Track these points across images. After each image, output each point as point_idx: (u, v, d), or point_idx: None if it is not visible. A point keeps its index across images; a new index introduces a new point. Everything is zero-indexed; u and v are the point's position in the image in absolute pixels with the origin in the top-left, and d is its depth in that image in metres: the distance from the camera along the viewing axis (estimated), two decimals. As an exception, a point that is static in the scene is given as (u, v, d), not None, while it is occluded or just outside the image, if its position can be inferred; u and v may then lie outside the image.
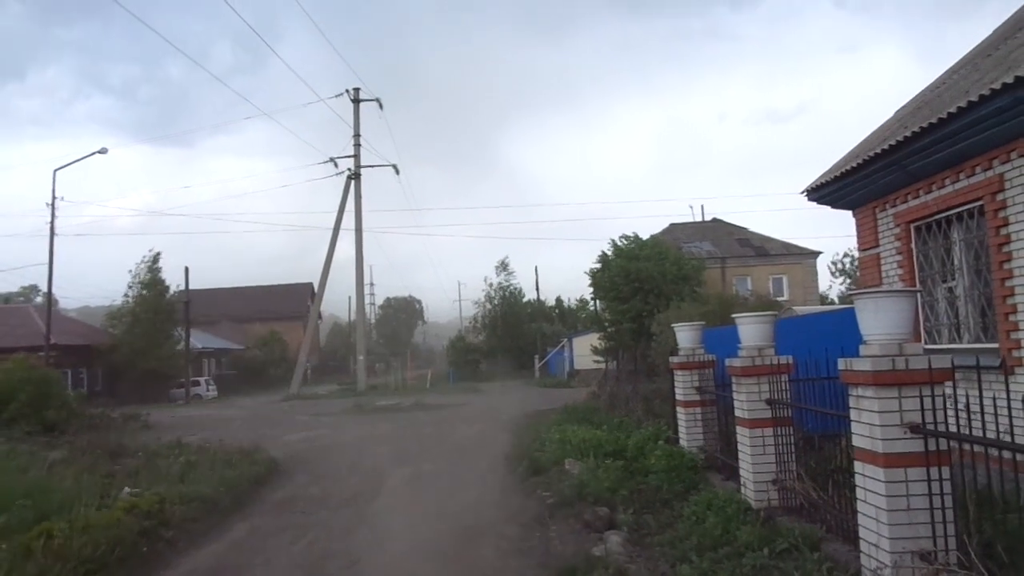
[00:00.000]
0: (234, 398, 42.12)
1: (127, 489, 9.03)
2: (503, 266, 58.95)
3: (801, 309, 19.61)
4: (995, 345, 6.92)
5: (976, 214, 7.28)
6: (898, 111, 10.05)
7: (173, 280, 44.79)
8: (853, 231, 9.86)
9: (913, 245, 8.44)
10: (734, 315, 7.93)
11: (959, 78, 8.49)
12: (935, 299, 8.18)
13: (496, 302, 58.45)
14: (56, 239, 34.46)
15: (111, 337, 41.89)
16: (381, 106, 41.89)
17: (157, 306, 42.52)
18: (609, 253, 22.96)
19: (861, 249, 9.69)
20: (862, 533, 4.56)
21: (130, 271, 43.59)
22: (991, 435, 3.99)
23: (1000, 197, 6.70)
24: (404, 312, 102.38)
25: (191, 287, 44.91)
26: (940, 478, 4.17)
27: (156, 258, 43.79)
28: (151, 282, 43.02)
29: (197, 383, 45.34)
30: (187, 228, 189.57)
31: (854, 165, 8.58)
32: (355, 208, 40.62)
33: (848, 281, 37.74)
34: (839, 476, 5.92)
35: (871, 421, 4.35)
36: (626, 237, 23.32)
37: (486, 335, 59.66)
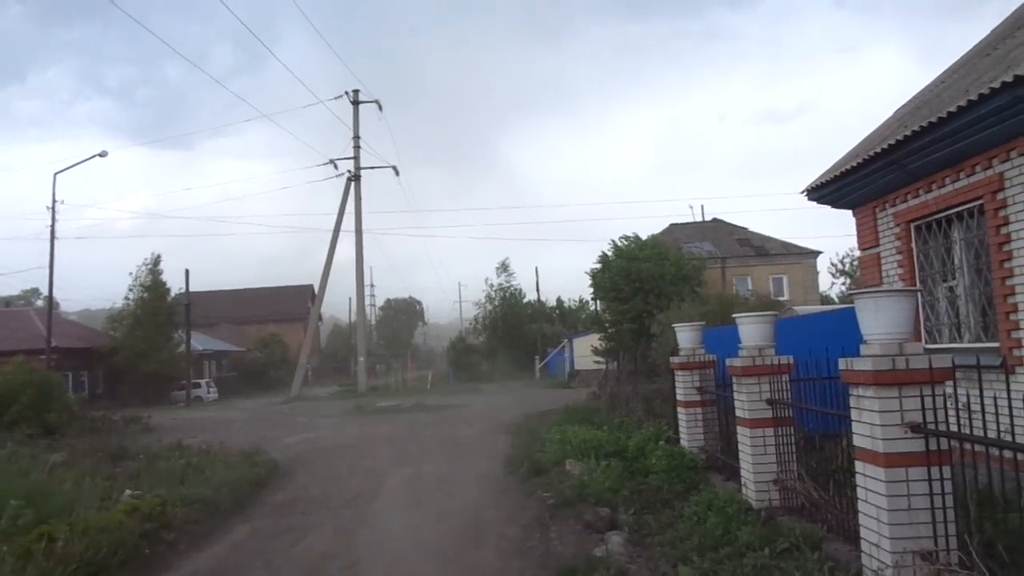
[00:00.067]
0: (235, 400, 42.11)
1: (128, 491, 9.03)
2: (503, 267, 59.03)
3: (801, 309, 19.61)
4: (996, 344, 6.92)
5: (976, 213, 7.28)
6: (898, 110, 10.05)
7: (173, 282, 44.85)
8: (853, 231, 9.87)
9: (913, 244, 8.44)
10: (734, 315, 7.93)
11: (958, 77, 8.49)
12: (935, 298, 8.18)
13: (496, 303, 58.46)
14: (57, 242, 34.43)
15: (112, 340, 41.88)
16: (380, 108, 41.92)
17: (158, 309, 42.52)
18: (609, 253, 22.95)
19: (861, 249, 9.69)
20: (863, 533, 4.56)
21: (131, 273, 43.66)
22: (992, 434, 3.99)
23: (1000, 196, 6.70)
24: (404, 313, 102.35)
25: (191, 289, 44.88)
26: (941, 478, 4.17)
27: (157, 260, 43.85)
28: (152, 285, 43.04)
29: (198, 385, 45.32)
30: (187, 230, 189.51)
31: (854, 164, 8.58)
32: (355, 210, 40.64)
33: (848, 281, 37.72)
34: (840, 476, 5.92)
35: (872, 421, 4.35)
36: (626, 237, 23.32)
37: (486, 336, 59.65)
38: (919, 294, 7.97)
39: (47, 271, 34.31)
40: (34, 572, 5.97)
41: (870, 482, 4.41)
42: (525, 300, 58.19)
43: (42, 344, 33.71)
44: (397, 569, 6.71)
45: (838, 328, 7.15)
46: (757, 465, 6.93)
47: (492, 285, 59.07)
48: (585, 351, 32.08)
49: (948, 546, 4.11)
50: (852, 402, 4.63)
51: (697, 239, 38.12)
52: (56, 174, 35.04)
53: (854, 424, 4.62)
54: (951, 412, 4.22)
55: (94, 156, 35.26)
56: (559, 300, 59.19)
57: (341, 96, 40.43)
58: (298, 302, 68.88)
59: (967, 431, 4.17)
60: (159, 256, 44.04)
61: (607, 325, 23.10)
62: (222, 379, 51.61)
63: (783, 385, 6.84)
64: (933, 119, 6.92)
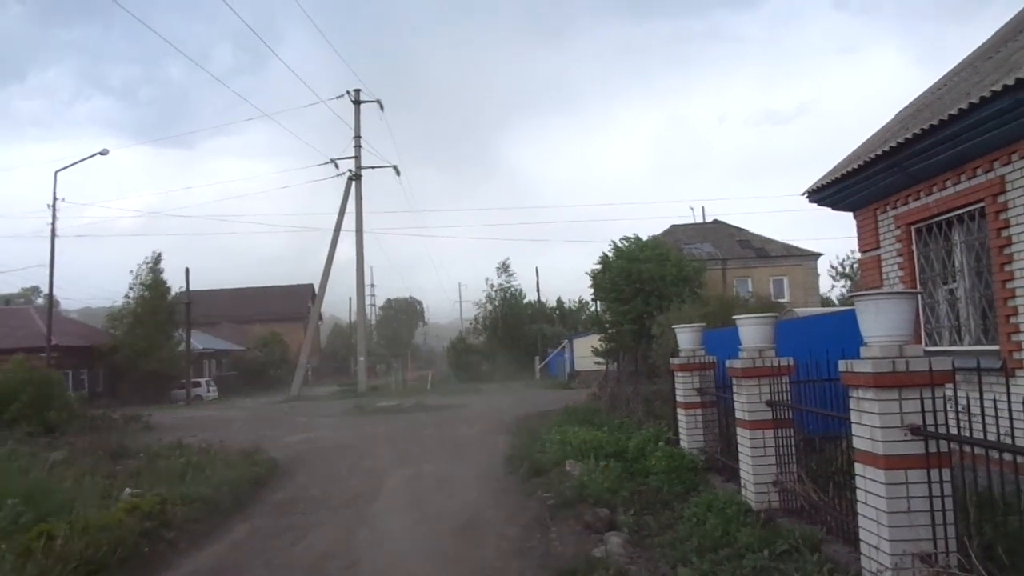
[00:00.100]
0: (235, 399, 42.12)
1: (128, 490, 9.04)
2: (504, 267, 59.02)
3: (802, 311, 19.60)
4: (996, 347, 6.92)
5: (977, 216, 7.29)
6: (899, 113, 10.06)
7: (174, 281, 44.88)
8: (853, 233, 9.87)
9: (914, 247, 8.44)
10: (735, 317, 7.93)
11: (960, 80, 8.50)
12: (936, 301, 8.18)
13: (497, 303, 58.47)
14: (57, 240, 34.49)
15: (112, 338, 41.91)
16: (382, 107, 41.94)
17: (158, 307, 42.54)
18: (610, 254, 22.96)
19: (862, 251, 9.69)
20: (862, 535, 4.56)
21: (132, 272, 43.69)
22: (992, 437, 3.99)
23: (1001, 199, 6.71)
24: (405, 313, 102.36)
25: (192, 288, 44.92)
26: (941, 480, 4.17)
27: (158, 259, 43.86)
28: (153, 283, 43.05)
29: (198, 384, 45.33)
30: (188, 229, 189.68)
31: (855, 167, 8.58)
32: (356, 209, 40.66)
33: (848, 284, 37.73)
34: (840, 478, 5.92)
35: (872, 423, 4.36)
36: (627, 238, 23.33)
37: (487, 336, 59.66)
38: (919, 296, 7.97)
39: (47, 269, 34.39)
40: (34, 570, 5.97)
41: (870, 484, 4.42)
42: (525, 300, 58.23)
43: (42, 342, 33.74)
44: (397, 569, 6.72)
45: (838, 330, 7.15)
46: (757, 467, 6.93)
47: (492, 285, 59.15)
48: (585, 352, 32.09)
49: (947, 548, 4.11)
50: (852, 404, 4.63)
51: (698, 240, 38.12)
52: (57, 172, 35.20)
53: (854, 426, 4.62)
54: (951, 415, 4.22)
55: (95, 154, 35.34)
56: (559, 301, 59.27)
57: (342, 96, 40.47)
58: (298, 301, 68.90)
59: (967, 434, 4.17)
60: (160, 255, 44.13)
61: (607, 326, 23.11)
62: (222, 378, 51.62)
63: (783, 387, 6.84)
64: (935, 122, 6.93)
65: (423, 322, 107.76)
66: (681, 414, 10.20)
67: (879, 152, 7.99)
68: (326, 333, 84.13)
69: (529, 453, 11.73)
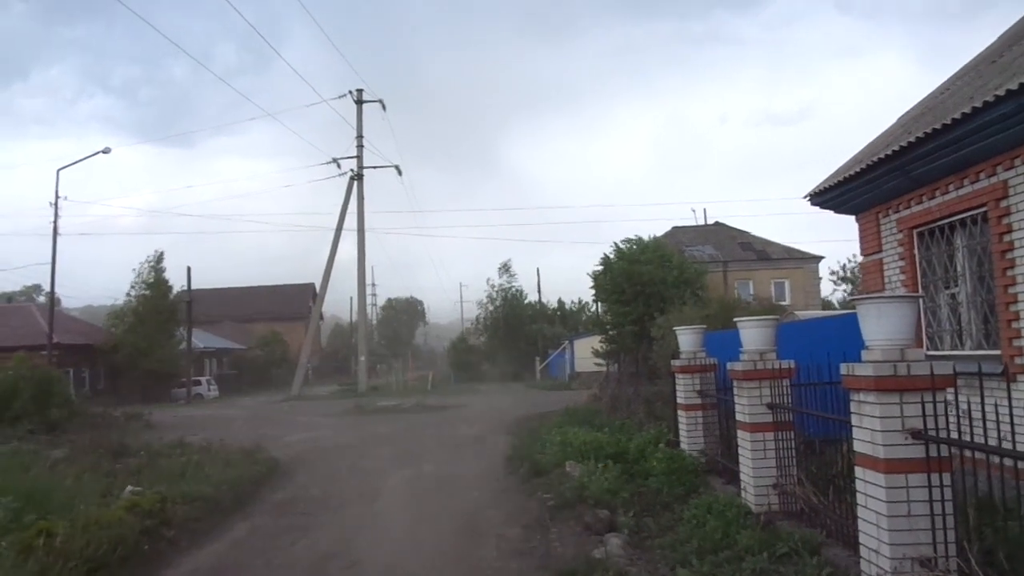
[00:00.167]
0: (235, 398, 42.16)
1: (130, 487, 9.05)
2: (505, 268, 59.09)
3: (803, 314, 19.57)
4: (997, 352, 6.92)
5: (979, 220, 7.29)
6: (902, 117, 10.05)
7: (175, 280, 44.96)
8: (855, 236, 9.87)
9: (916, 251, 8.44)
10: (736, 319, 7.93)
11: (963, 84, 8.50)
12: (937, 305, 8.18)
13: (498, 303, 58.51)
14: (59, 238, 34.51)
15: (113, 336, 41.95)
16: (384, 107, 42.03)
17: (160, 306, 42.59)
18: (611, 255, 22.94)
19: (864, 254, 9.69)
20: (862, 539, 4.56)
21: (134, 270, 43.76)
22: (992, 442, 3.99)
23: (1004, 203, 6.70)
24: (405, 313, 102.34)
25: (193, 287, 44.99)
26: (941, 484, 4.17)
27: (160, 258, 43.93)
28: (155, 282, 43.10)
29: (199, 383, 45.38)
30: (190, 228, 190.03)
31: (858, 170, 8.58)
32: (357, 209, 40.71)
33: (849, 287, 37.73)
34: (840, 481, 5.92)
35: (872, 426, 4.36)
36: (628, 240, 23.31)
37: (487, 337, 59.69)
38: (921, 300, 7.97)
39: (49, 267, 34.44)
40: (35, 567, 5.97)
41: (870, 488, 4.42)
42: (526, 301, 58.23)
43: (44, 340, 33.77)
44: (398, 568, 6.72)
45: (839, 333, 7.16)
46: (757, 469, 6.94)
47: (493, 286, 59.22)
48: (586, 353, 32.06)
49: (947, 553, 4.11)
50: (853, 407, 4.63)
51: (699, 242, 38.13)
52: (59, 170, 35.17)
53: (854, 429, 4.62)
54: (952, 419, 4.22)
55: (97, 153, 35.45)
56: (560, 301, 59.27)
57: (345, 95, 40.53)
58: (300, 301, 68.94)
59: (968, 438, 4.17)
60: (162, 253, 44.20)
61: (608, 327, 23.08)
62: (223, 377, 51.68)
63: (784, 389, 6.84)
64: (938, 125, 6.93)
65: (424, 322, 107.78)
66: (682, 416, 10.20)
67: (882, 155, 8.00)
68: (327, 332, 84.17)
69: (529, 454, 11.73)
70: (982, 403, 4.02)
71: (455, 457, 13.60)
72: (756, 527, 6.13)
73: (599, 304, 25.65)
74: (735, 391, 7.49)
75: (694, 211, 78.68)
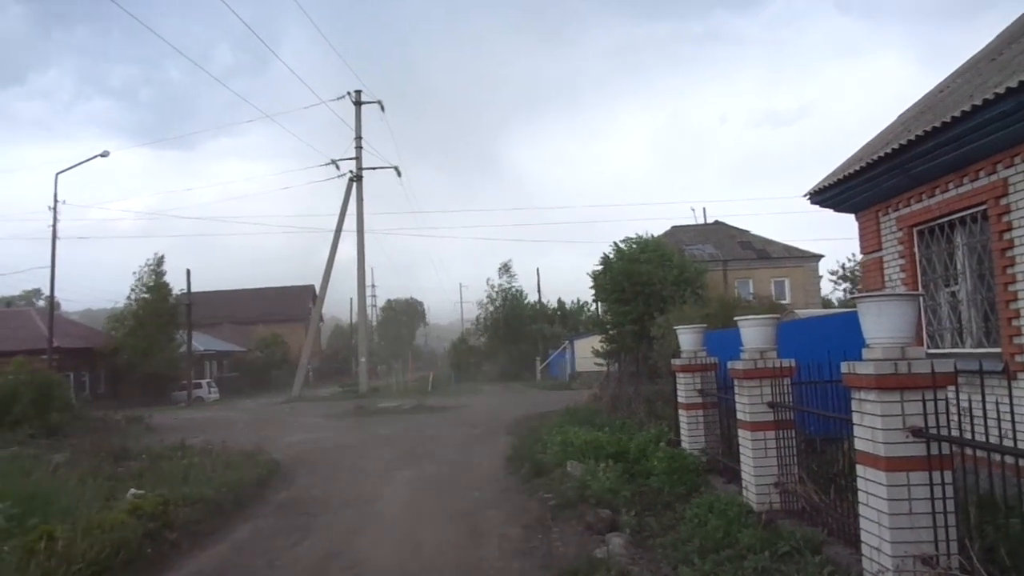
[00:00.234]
0: (236, 400, 42.15)
1: (132, 490, 9.05)
2: (505, 268, 59.04)
3: (803, 312, 19.58)
4: (998, 350, 6.92)
5: (980, 218, 7.29)
6: (901, 115, 10.06)
7: (175, 282, 44.95)
8: (854, 234, 9.87)
9: (916, 249, 8.44)
10: (736, 318, 7.93)
11: (963, 82, 8.50)
12: (938, 303, 8.18)
13: (498, 304, 58.47)
14: (58, 242, 34.43)
15: (113, 340, 41.93)
16: (383, 108, 41.97)
17: (160, 309, 42.58)
18: (611, 255, 22.93)
19: (864, 253, 9.69)
20: (864, 537, 4.57)
21: (134, 273, 43.76)
22: (993, 440, 3.99)
23: (1004, 201, 6.71)
24: (406, 314, 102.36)
25: (193, 289, 44.98)
26: (942, 482, 4.17)
27: (160, 261, 43.93)
28: (155, 285, 43.10)
29: (199, 385, 45.39)
30: (189, 230, 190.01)
31: (857, 168, 8.59)
32: (356, 210, 40.67)
33: (849, 286, 37.73)
34: (841, 479, 5.92)
35: (873, 424, 4.36)
36: (628, 239, 23.30)
37: (488, 337, 59.66)
38: (921, 299, 7.98)
39: (49, 271, 34.34)
40: (37, 571, 5.99)
41: (871, 486, 4.42)
42: (526, 301, 58.22)
43: (44, 344, 33.74)
44: (399, 569, 6.72)
45: (840, 332, 7.16)
46: (758, 468, 6.94)
47: (493, 286, 59.17)
48: (586, 352, 32.04)
49: (949, 551, 4.12)
50: (854, 406, 4.64)
51: (699, 241, 38.14)
52: (58, 174, 35.22)
53: (855, 428, 4.63)
54: (953, 417, 4.23)
55: (96, 156, 35.36)
56: (560, 301, 59.24)
57: (343, 97, 40.47)
58: (300, 302, 68.93)
59: (969, 436, 4.18)
60: (162, 257, 44.23)
61: (608, 327, 23.06)
62: (223, 379, 51.69)
63: (784, 388, 6.84)
64: (937, 124, 6.93)
65: (424, 323, 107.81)
66: (682, 415, 10.21)
67: (881, 154, 8.00)
68: (327, 334, 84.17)
69: (530, 454, 11.74)
70: (983, 401, 4.02)
71: (456, 457, 13.60)
72: (758, 526, 6.13)
73: (599, 304, 25.63)
74: (736, 390, 7.49)
75: (694, 210, 78.60)
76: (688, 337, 10.25)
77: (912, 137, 7.36)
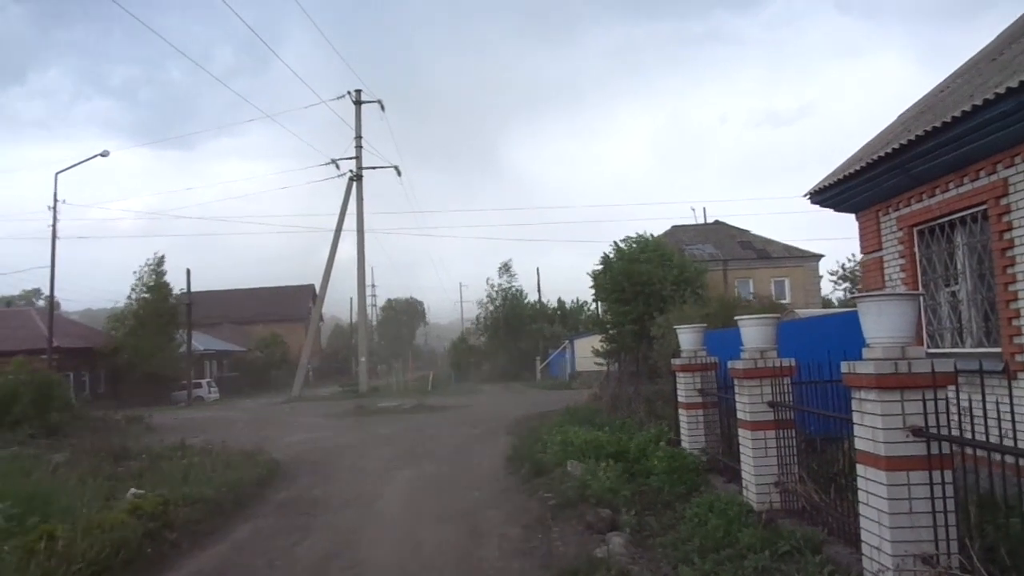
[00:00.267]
0: (236, 400, 42.15)
1: (132, 490, 9.05)
2: (505, 268, 59.03)
3: (803, 312, 19.59)
4: (998, 350, 6.93)
5: (980, 218, 7.29)
6: (902, 115, 10.06)
7: (175, 282, 44.92)
8: (854, 234, 9.88)
9: (916, 249, 8.45)
10: (736, 317, 7.93)
11: (963, 82, 8.50)
12: (938, 303, 8.18)
13: (498, 303, 58.46)
14: (58, 242, 34.42)
15: (113, 340, 41.93)
16: (383, 108, 41.96)
17: (161, 309, 42.56)
18: (611, 255, 22.93)
19: (864, 252, 9.69)
20: (864, 536, 4.57)
21: (134, 273, 43.73)
22: (994, 439, 4.00)
23: (1004, 201, 6.71)
24: (406, 313, 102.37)
25: (193, 289, 44.97)
26: (943, 482, 4.18)
27: (160, 261, 43.88)
28: (155, 285, 43.09)
29: (199, 385, 45.38)
30: (189, 230, 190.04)
31: (858, 168, 8.59)
32: (356, 210, 40.66)
33: (849, 286, 37.76)
34: (841, 479, 5.93)
35: (873, 424, 4.37)
36: (628, 238, 23.30)
37: (488, 337, 59.65)
38: (921, 298, 7.98)
39: (48, 271, 34.33)
40: (37, 571, 5.99)
41: (871, 485, 4.43)
42: (527, 301, 58.22)
43: (43, 344, 33.73)
44: (399, 568, 6.73)
45: (840, 331, 7.16)
46: (758, 467, 6.94)
47: (494, 286, 59.15)
48: (586, 352, 32.04)
49: (949, 550, 4.12)
50: (854, 405, 4.64)
51: (699, 241, 38.14)
52: (57, 174, 35.11)
53: (856, 427, 4.63)
54: (953, 416, 4.23)
55: (95, 156, 35.31)
56: (560, 301, 59.24)
57: (343, 96, 40.46)
58: (300, 302, 68.93)
59: (969, 436, 4.18)
60: (163, 257, 44.18)
61: (608, 326, 23.06)
62: (223, 379, 51.68)
63: (785, 388, 6.85)
64: (938, 123, 6.93)
65: (424, 322, 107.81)
66: (682, 415, 10.21)
67: (882, 154, 8.00)
68: (327, 334, 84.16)
69: (530, 453, 11.74)
70: (983, 400, 4.03)
71: (456, 457, 13.60)
72: (758, 525, 6.13)
73: (599, 303, 25.62)
74: (736, 389, 7.49)
75: (694, 210, 78.63)
76: (688, 337, 10.25)
77: (912, 137, 7.36)
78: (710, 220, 42.65)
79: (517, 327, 54.76)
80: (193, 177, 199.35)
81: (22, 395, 19.35)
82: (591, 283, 23.71)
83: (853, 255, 36.95)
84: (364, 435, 18.52)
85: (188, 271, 43.99)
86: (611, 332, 22.67)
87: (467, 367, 55.59)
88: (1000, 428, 4.00)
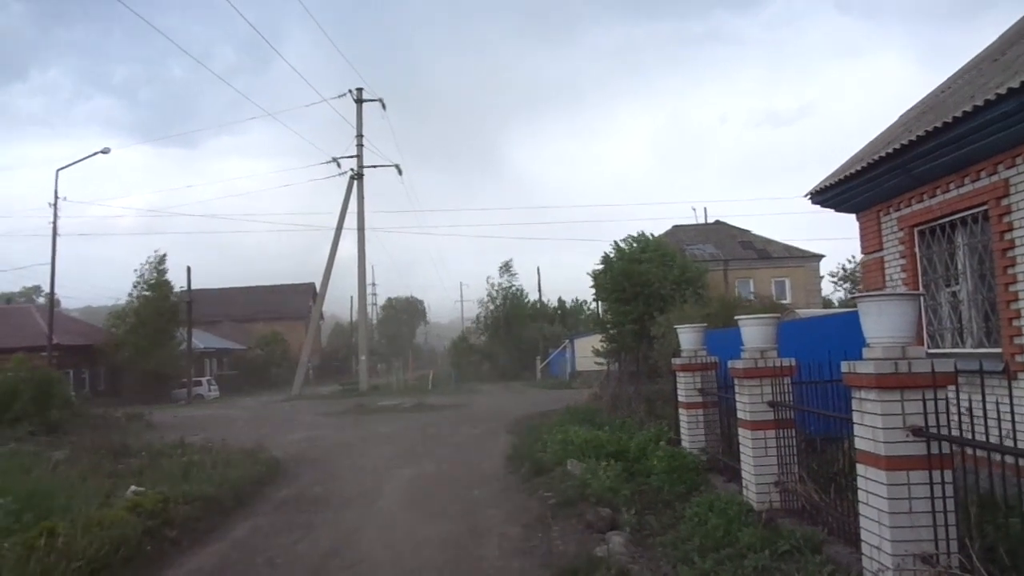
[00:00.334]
0: (236, 398, 42.16)
1: (132, 488, 9.06)
2: (506, 267, 59.01)
3: (804, 312, 19.58)
4: (998, 350, 6.92)
5: (980, 219, 7.29)
6: (903, 115, 10.05)
7: (175, 279, 44.93)
8: (855, 234, 9.87)
9: (917, 249, 8.45)
10: (737, 317, 7.94)
11: (964, 83, 8.50)
12: (938, 303, 8.18)
13: (498, 303, 58.46)
14: (59, 239, 34.51)
15: (113, 337, 41.93)
16: (384, 106, 42.04)
17: (161, 307, 42.57)
18: (611, 254, 22.92)
19: (865, 253, 9.69)
20: (864, 536, 4.57)
21: (135, 270, 43.75)
22: (994, 439, 4.00)
23: (1005, 202, 6.71)
24: (406, 312, 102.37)
25: (193, 286, 44.99)
26: (943, 481, 4.18)
27: (162, 259, 43.89)
28: (156, 283, 43.09)
29: (199, 383, 45.38)
30: (190, 228, 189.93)
31: (859, 168, 8.58)
32: (357, 208, 40.72)
33: (850, 286, 37.77)
34: (841, 479, 5.93)
35: (874, 424, 4.37)
36: (629, 238, 23.29)
37: (488, 336, 59.66)
38: (922, 298, 7.98)
39: (49, 268, 34.41)
40: (37, 568, 5.99)
41: (871, 485, 4.43)
42: (527, 300, 58.22)
43: (44, 341, 33.76)
44: (399, 567, 6.73)
45: (840, 331, 7.15)
46: (758, 467, 6.94)
47: (494, 285, 59.14)
48: (586, 352, 32.03)
49: (949, 549, 4.12)
50: (854, 405, 4.64)
51: (700, 241, 38.13)
52: (58, 170, 35.23)
53: (856, 427, 4.63)
54: (953, 416, 4.23)
55: (96, 153, 35.45)
56: (560, 300, 59.24)
57: (345, 94, 40.51)
58: (300, 300, 68.94)
59: (969, 436, 4.18)
60: (164, 255, 44.18)
61: (609, 326, 23.05)
62: (223, 377, 51.68)
63: (785, 387, 6.85)
64: (939, 124, 6.93)
65: (424, 321, 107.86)
66: (683, 414, 10.21)
67: (883, 154, 8.00)
68: (327, 332, 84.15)
69: (530, 453, 11.75)
70: (983, 401, 4.03)
71: (456, 456, 13.61)
72: (758, 525, 6.14)
73: (599, 303, 25.61)
74: (736, 389, 7.50)
75: (694, 210, 78.66)
76: (688, 336, 10.26)
77: (913, 137, 7.36)
78: (711, 220, 42.66)
79: (517, 326, 54.78)
80: (194, 175, 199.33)
81: (22, 392, 19.35)
82: (591, 283, 23.70)
83: (854, 256, 36.95)
84: (364, 433, 18.53)
85: (189, 269, 44.06)
86: (611, 332, 22.66)
87: (467, 366, 55.56)
88: (1000, 428, 4.00)
